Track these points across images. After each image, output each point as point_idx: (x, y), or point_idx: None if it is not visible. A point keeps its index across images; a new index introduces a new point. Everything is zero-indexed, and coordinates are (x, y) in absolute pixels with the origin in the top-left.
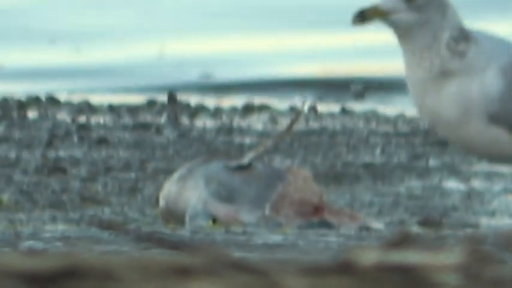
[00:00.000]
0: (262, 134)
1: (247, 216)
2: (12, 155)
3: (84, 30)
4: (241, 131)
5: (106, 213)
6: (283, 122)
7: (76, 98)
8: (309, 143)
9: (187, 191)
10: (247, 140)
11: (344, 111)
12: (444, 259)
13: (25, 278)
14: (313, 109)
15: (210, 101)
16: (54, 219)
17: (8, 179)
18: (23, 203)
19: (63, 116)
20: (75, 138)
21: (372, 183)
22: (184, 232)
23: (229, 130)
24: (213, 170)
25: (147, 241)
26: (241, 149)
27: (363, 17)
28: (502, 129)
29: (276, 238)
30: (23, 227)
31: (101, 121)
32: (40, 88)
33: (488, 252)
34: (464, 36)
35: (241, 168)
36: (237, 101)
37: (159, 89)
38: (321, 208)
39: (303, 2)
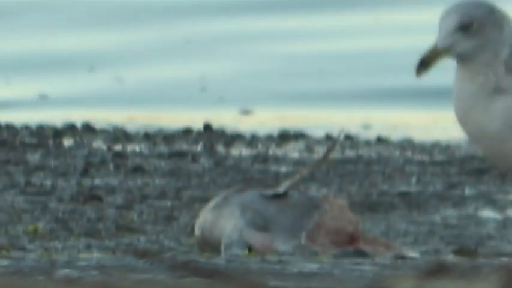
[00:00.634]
0: (298, 163)
1: (283, 245)
2: (48, 183)
3: (122, 58)
4: (278, 160)
5: (141, 241)
6: (320, 151)
7: (112, 126)
8: (344, 172)
9: (223, 219)
10: (284, 170)
11: (379, 140)
12: (480, 286)
13: None
14: (348, 137)
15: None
16: (89, 247)
17: (44, 207)
18: (58, 231)
19: (98, 144)
20: (111, 166)
21: (407, 213)
22: (220, 261)
23: (264, 159)
24: (248, 199)
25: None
26: (277, 178)
27: (425, 65)
28: None
29: (311, 267)
30: (58, 255)
31: (137, 149)
32: (77, 116)
33: None
34: None
35: (277, 196)
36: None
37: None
38: (356, 237)
39: None
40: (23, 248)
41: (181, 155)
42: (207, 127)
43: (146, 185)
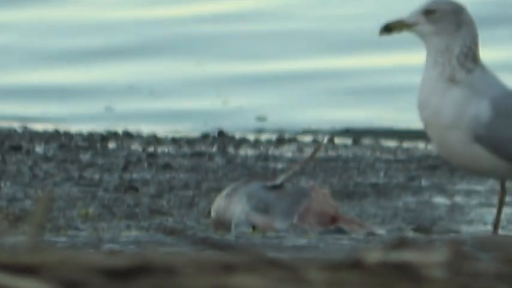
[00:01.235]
0: (291, 161)
1: (280, 224)
2: (96, 176)
3: (156, 81)
4: (276, 159)
5: (169, 222)
6: (308, 152)
7: (145, 133)
8: (327, 168)
9: (233, 205)
10: (280, 166)
11: (355, 143)
12: (432, 258)
13: (106, 272)
14: (330, 141)
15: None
16: (128, 227)
17: (93, 195)
18: (104, 215)
19: (136, 146)
20: (145, 164)
21: (376, 199)
22: (230, 237)
23: (265, 157)
24: (252, 189)
25: (201, 244)
26: (275, 173)
27: (388, 28)
28: (483, 149)
29: (302, 242)
30: (104, 233)
31: (166, 150)
32: (118, 125)
33: (467, 252)
34: (473, 56)
35: (275, 187)
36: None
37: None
38: (336, 218)
39: None
40: (76, 228)
41: (200, 155)
42: (221, 133)
43: (173, 179)
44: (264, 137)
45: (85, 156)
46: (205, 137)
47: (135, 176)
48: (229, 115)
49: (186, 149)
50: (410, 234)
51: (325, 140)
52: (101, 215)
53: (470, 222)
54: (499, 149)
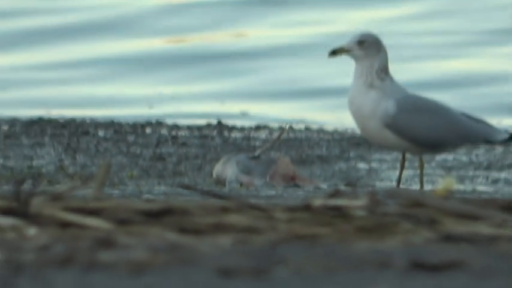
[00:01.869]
0: (265, 140)
1: (258, 182)
2: (138, 151)
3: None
4: (255, 139)
5: (186, 180)
6: (276, 134)
7: (170, 123)
8: (288, 145)
9: (227, 169)
10: (258, 143)
11: (306, 129)
12: (357, 203)
13: (144, 213)
14: (290, 128)
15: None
16: (159, 184)
17: (136, 163)
18: (143, 176)
19: (164, 131)
20: (170, 143)
21: (321, 165)
22: (226, 190)
23: (247, 138)
24: (240, 158)
25: (207, 195)
26: (254, 148)
27: (334, 52)
28: (390, 132)
29: (272, 193)
30: (143, 187)
31: (183, 134)
32: (153, 117)
33: (380, 200)
34: (385, 70)
35: (254, 157)
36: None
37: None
38: (294, 177)
39: None
40: (125, 184)
41: (205, 137)
42: (219, 122)
43: (188, 152)
44: (246, 124)
45: (131, 137)
46: (209, 125)
47: (163, 150)
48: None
49: (196, 133)
50: (342, 188)
51: (287, 126)
52: (141, 176)
53: (382, 180)
54: (401, 132)
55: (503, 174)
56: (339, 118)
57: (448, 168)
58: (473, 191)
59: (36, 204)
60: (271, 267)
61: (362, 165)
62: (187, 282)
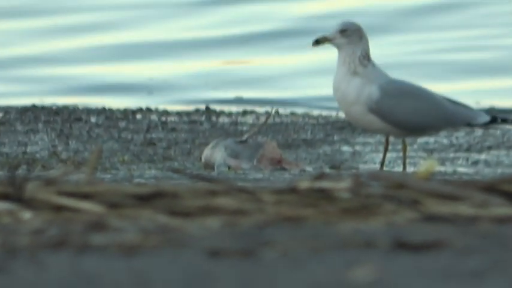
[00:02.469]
0: (253, 125)
1: (245, 165)
2: (129, 136)
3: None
4: (242, 124)
5: (176, 165)
6: (262, 119)
7: (160, 109)
8: (275, 129)
9: (215, 153)
10: (245, 128)
11: (292, 113)
12: (341, 185)
13: (135, 197)
14: (277, 113)
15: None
16: (150, 168)
17: (127, 148)
18: (135, 160)
19: (154, 117)
20: (160, 128)
21: (306, 149)
22: (214, 174)
23: (235, 123)
24: (228, 142)
25: (196, 178)
26: (242, 133)
27: (317, 41)
28: (374, 117)
29: (259, 176)
30: (134, 172)
31: (172, 119)
32: (144, 103)
33: (363, 182)
34: (367, 57)
35: (242, 142)
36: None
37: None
38: (281, 161)
39: None
40: (117, 169)
41: (194, 122)
42: (207, 108)
43: (178, 137)
44: (234, 110)
45: (122, 124)
46: (197, 110)
47: (153, 135)
48: (214, 100)
49: (185, 118)
50: (327, 170)
51: (273, 111)
52: (132, 160)
53: (365, 162)
54: (384, 116)
55: (483, 156)
56: (323, 103)
57: (429, 151)
58: (454, 172)
59: (31, 189)
60: (258, 249)
61: (346, 149)
62: (177, 263)
